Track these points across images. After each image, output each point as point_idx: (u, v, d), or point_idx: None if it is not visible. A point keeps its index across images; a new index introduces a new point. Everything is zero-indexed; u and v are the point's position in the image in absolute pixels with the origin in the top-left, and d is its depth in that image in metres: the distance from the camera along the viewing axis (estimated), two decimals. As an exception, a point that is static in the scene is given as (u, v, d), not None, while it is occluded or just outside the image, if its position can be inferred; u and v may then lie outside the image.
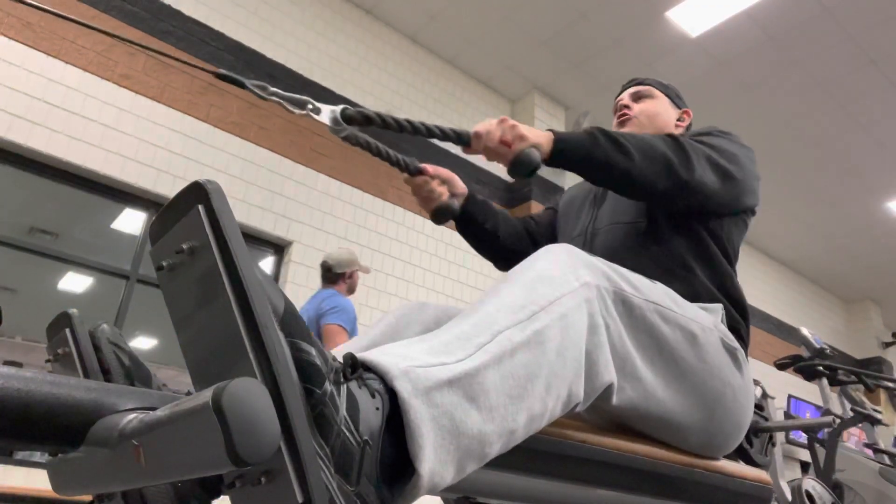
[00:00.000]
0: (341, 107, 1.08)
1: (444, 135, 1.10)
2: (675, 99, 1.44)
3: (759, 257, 7.93)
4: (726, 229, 1.18)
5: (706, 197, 1.11)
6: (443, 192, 1.30)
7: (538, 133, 1.05)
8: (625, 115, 1.40)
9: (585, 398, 0.76)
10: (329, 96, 4.74)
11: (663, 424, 0.90)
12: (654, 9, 4.88)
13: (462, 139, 1.09)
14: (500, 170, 5.62)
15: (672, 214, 1.16)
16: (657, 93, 1.42)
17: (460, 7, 5.04)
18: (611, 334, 0.80)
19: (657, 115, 1.39)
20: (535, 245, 1.42)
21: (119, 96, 3.83)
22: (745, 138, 1.27)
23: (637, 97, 1.42)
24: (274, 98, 1.05)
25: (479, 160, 5.42)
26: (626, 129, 1.39)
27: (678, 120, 1.43)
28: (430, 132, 1.10)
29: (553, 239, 1.43)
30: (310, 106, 1.07)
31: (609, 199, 1.28)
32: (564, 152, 1.05)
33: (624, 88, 1.47)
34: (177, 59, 1.13)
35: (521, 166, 1.04)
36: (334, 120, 1.08)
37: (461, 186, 1.35)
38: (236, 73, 1.05)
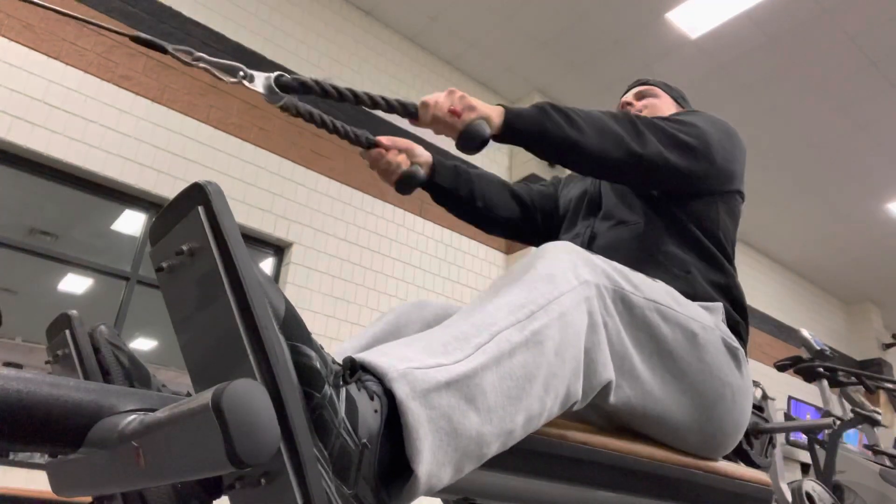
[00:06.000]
0: (276, 73, 0.99)
1: (389, 106, 1.02)
2: (679, 100, 1.45)
3: (759, 258, 7.92)
4: (722, 225, 1.18)
5: (669, 171, 1.08)
6: (402, 161, 1.23)
7: (488, 106, 1.02)
8: (627, 111, 1.40)
9: (584, 397, 0.76)
10: (329, 98, 4.74)
11: (661, 423, 0.90)
12: (654, 10, 4.88)
13: (409, 110, 1.03)
14: (490, 163, 5.62)
15: (668, 213, 1.16)
16: (661, 92, 1.44)
17: (461, 8, 5.05)
18: (609, 333, 0.80)
19: (660, 112, 1.40)
20: (525, 211, 1.42)
21: (119, 97, 3.83)
22: (746, 140, 1.27)
23: (641, 96, 1.44)
24: (201, 64, 0.95)
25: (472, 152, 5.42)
26: None
27: None
28: (374, 103, 1.01)
29: (548, 215, 1.44)
30: (241, 73, 0.97)
31: (606, 201, 1.28)
32: (514, 125, 1.02)
33: (629, 88, 1.49)
34: (92, 23, 1.01)
35: (470, 139, 0.98)
36: (269, 88, 0.98)
37: (423, 154, 1.28)
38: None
